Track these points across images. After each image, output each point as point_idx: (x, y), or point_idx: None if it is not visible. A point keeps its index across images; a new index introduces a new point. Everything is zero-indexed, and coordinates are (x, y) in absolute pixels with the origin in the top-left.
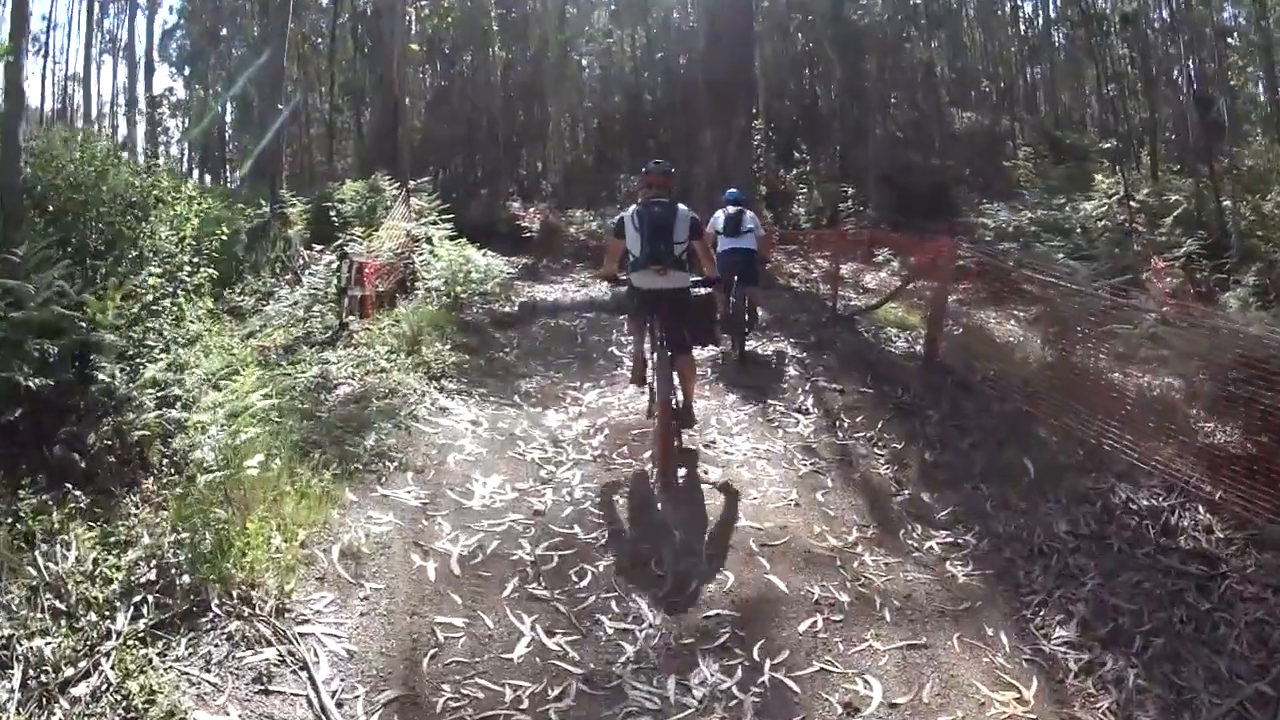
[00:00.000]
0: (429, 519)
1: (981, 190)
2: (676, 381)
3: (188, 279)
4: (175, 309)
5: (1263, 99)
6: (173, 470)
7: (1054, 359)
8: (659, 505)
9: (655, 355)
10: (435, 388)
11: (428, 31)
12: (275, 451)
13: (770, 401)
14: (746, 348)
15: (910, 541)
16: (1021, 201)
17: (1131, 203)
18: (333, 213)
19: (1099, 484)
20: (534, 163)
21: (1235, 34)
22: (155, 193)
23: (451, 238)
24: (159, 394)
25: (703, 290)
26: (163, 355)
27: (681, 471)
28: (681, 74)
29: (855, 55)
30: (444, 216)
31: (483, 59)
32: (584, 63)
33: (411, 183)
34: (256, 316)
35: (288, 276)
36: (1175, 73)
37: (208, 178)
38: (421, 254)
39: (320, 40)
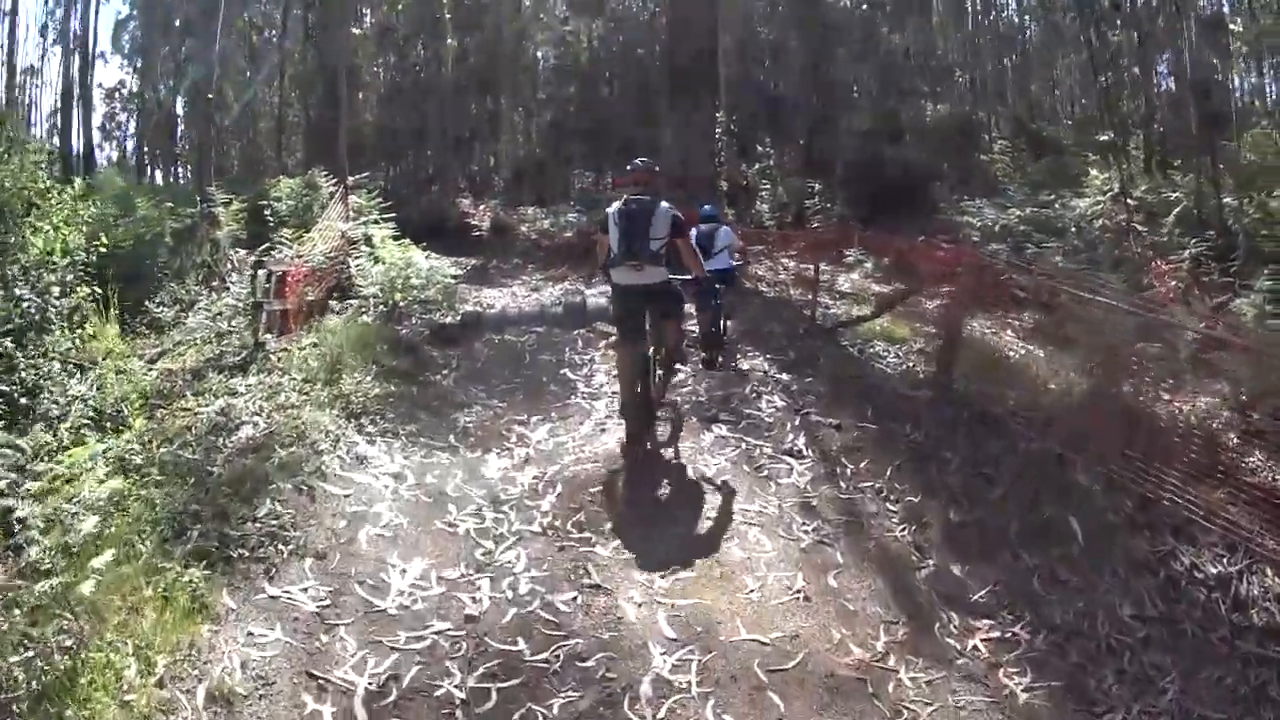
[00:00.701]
0: (328, 632)
1: (957, 185)
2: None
3: (58, 301)
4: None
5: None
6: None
7: (1090, 387)
8: (631, 608)
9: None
10: (354, 428)
11: (382, 21)
12: (139, 537)
13: (755, 442)
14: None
15: (950, 640)
16: (1004, 198)
17: (1129, 200)
18: (268, 212)
19: (1156, 545)
20: (486, 158)
21: (1238, 20)
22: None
23: (395, 238)
24: None
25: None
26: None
27: (660, 553)
28: (640, 65)
29: (822, 44)
30: (386, 215)
31: (436, 49)
32: (539, 54)
33: (351, 179)
34: (178, 329)
35: (214, 283)
36: (1163, 61)
37: (159, 175)
38: (359, 257)
39: (271, 32)
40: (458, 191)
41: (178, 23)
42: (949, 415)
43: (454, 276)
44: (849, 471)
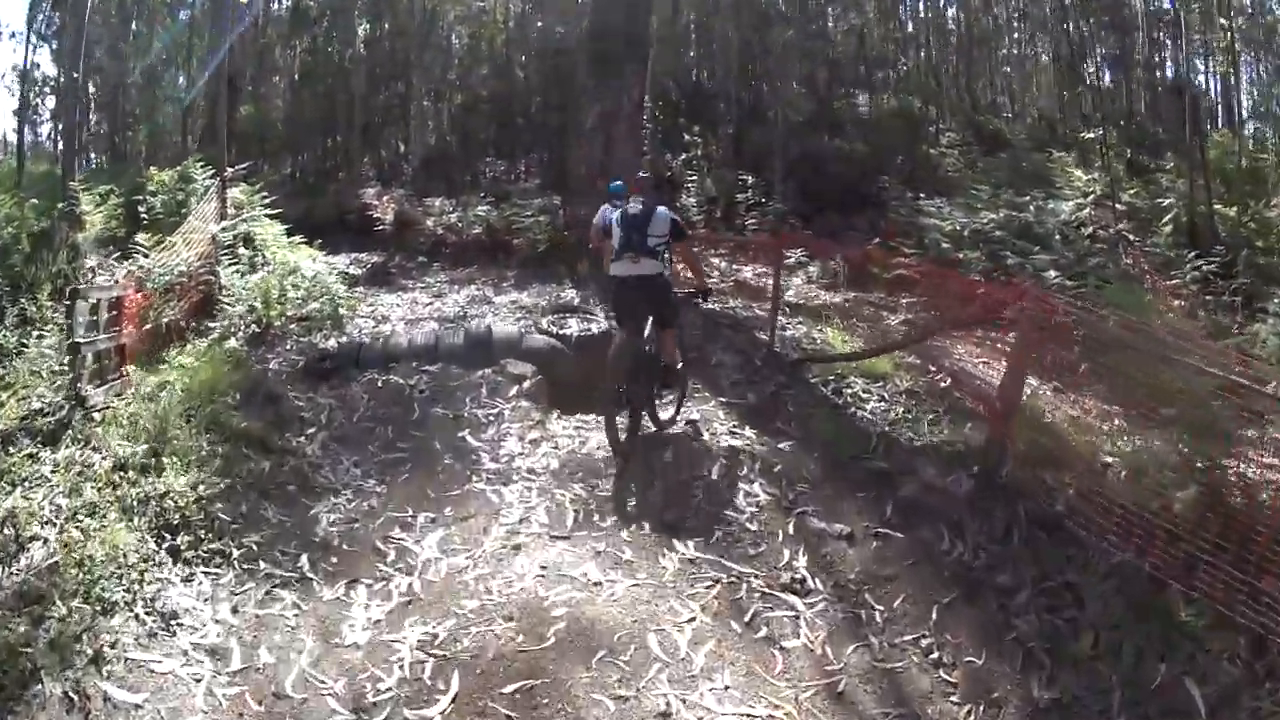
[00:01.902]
0: None
1: (906, 181)
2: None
3: None
4: None
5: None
6: None
7: (1173, 469)
8: None
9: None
10: (169, 550)
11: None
12: None
13: (738, 569)
14: (664, 418)
15: None
16: (968, 198)
17: (1117, 205)
18: (142, 209)
19: None
20: (396, 145)
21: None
22: None
23: (287, 235)
24: None
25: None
26: None
27: None
28: (560, 46)
29: (754, 27)
30: (275, 209)
31: (347, 30)
32: (452, 33)
33: (230, 169)
34: (20, 359)
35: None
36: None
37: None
38: (234, 263)
39: (185, 11)
40: (362, 182)
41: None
42: (998, 516)
43: (347, 282)
44: (878, 617)
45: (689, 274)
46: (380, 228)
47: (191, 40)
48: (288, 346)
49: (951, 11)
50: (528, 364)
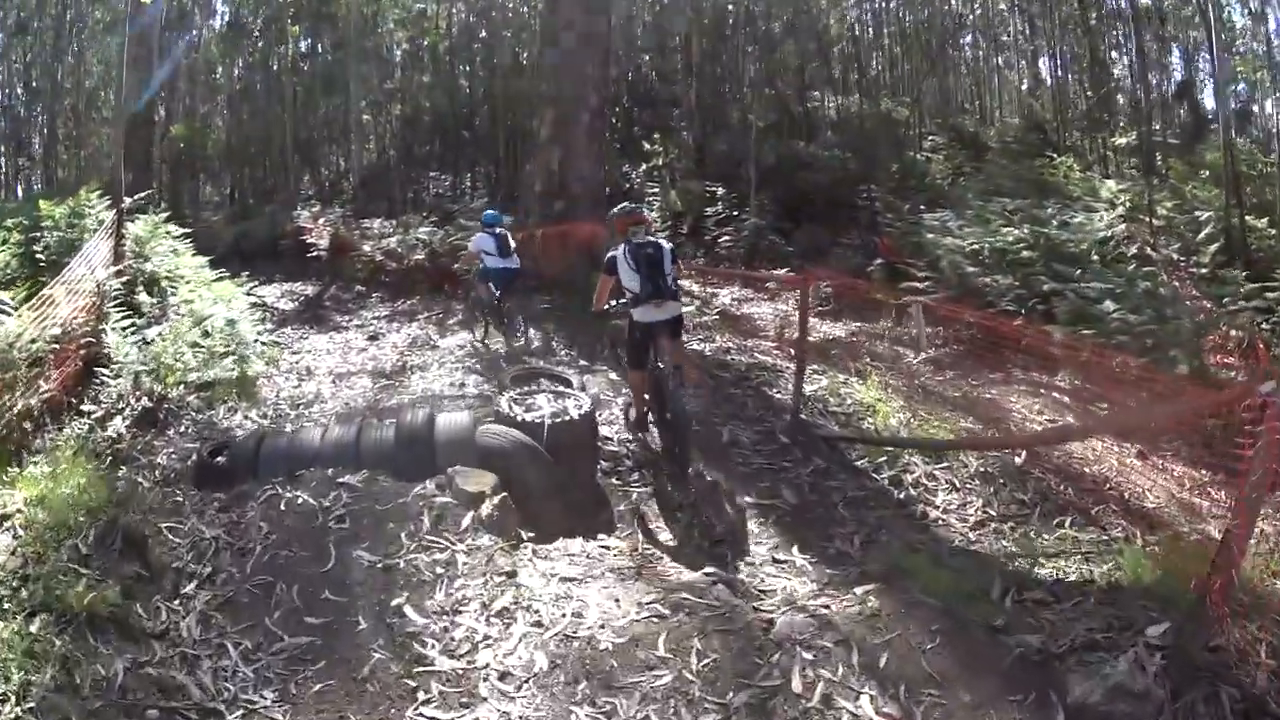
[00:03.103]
0: None
1: (894, 192)
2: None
3: None
4: None
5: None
6: None
7: None
8: None
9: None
10: None
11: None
12: None
13: None
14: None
15: None
16: (969, 209)
17: (1153, 220)
18: (38, 248)
19: None
20: (336, 162)
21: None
22: None
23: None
24: None
25: None
26: None
27: None
28: (511, 52)
29: (717, 30)
30: (191, 243)
31: (283, 41)
32: (393, 44)
33: (126, 200)
34: None
35: None
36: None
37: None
38: (132, 316)
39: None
40: (300, 202)
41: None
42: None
43: (274, 322)
44: None
45: None
46: (315, 253)
47: (124, 57)
48: (183, 429)
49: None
50: (485, 474)
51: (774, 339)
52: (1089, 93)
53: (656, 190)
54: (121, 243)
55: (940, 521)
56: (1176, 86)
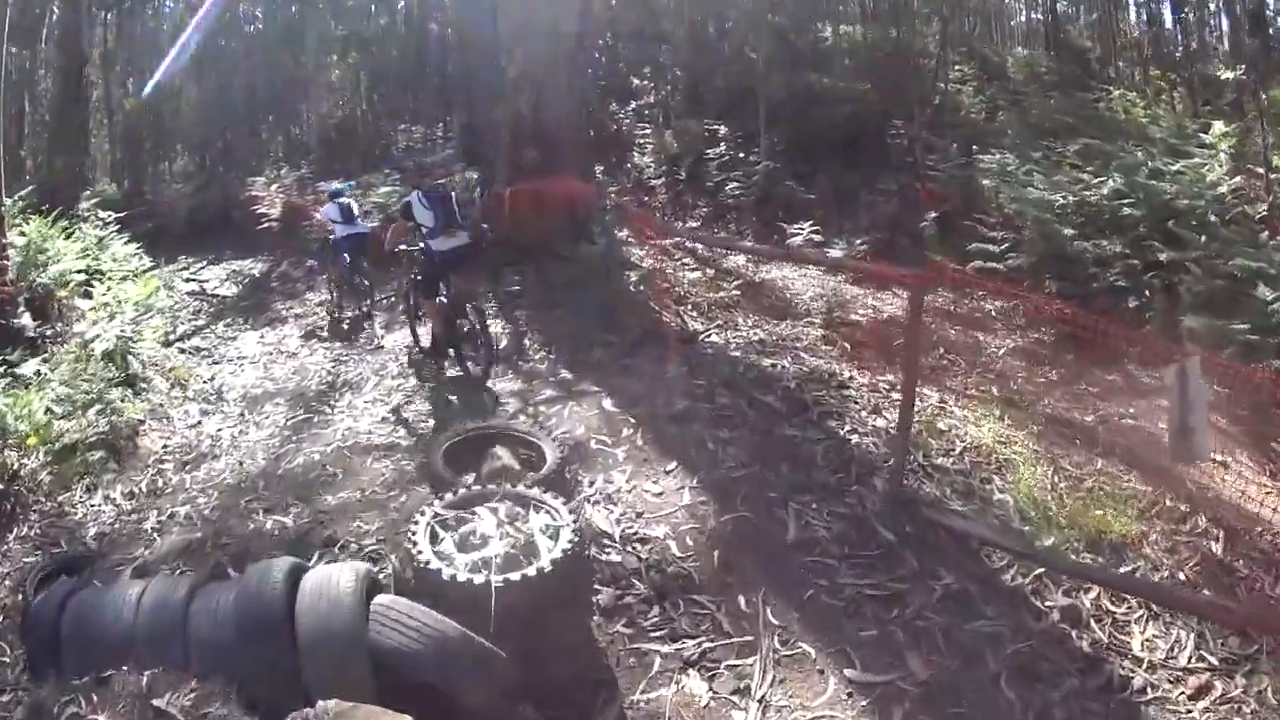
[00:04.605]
0: None
1: (930, 129)
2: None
3: None
4: None
5: None
6: None
7: None
8: None
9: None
10: None
11: None
12: None
13: None
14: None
15: None
16: (1033, 150)
17: (1271, 173)
18: None
19: None
20: (298, 122)
21: None
22: None
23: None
24: None
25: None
26: None
27: None
28: None
29: None
30: (115, 236)
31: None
32: None
33: (7, 201)
34: None
35: None
36: None
37: None
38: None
39: None
40: (252, 168)
41: None
42: None
43: (210, 314)
44: None
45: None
46: (267, 224)
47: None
48: (33, 527)
49: None
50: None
51: (821, 325)
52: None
53: (648, 132)
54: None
55: (1148, 693)
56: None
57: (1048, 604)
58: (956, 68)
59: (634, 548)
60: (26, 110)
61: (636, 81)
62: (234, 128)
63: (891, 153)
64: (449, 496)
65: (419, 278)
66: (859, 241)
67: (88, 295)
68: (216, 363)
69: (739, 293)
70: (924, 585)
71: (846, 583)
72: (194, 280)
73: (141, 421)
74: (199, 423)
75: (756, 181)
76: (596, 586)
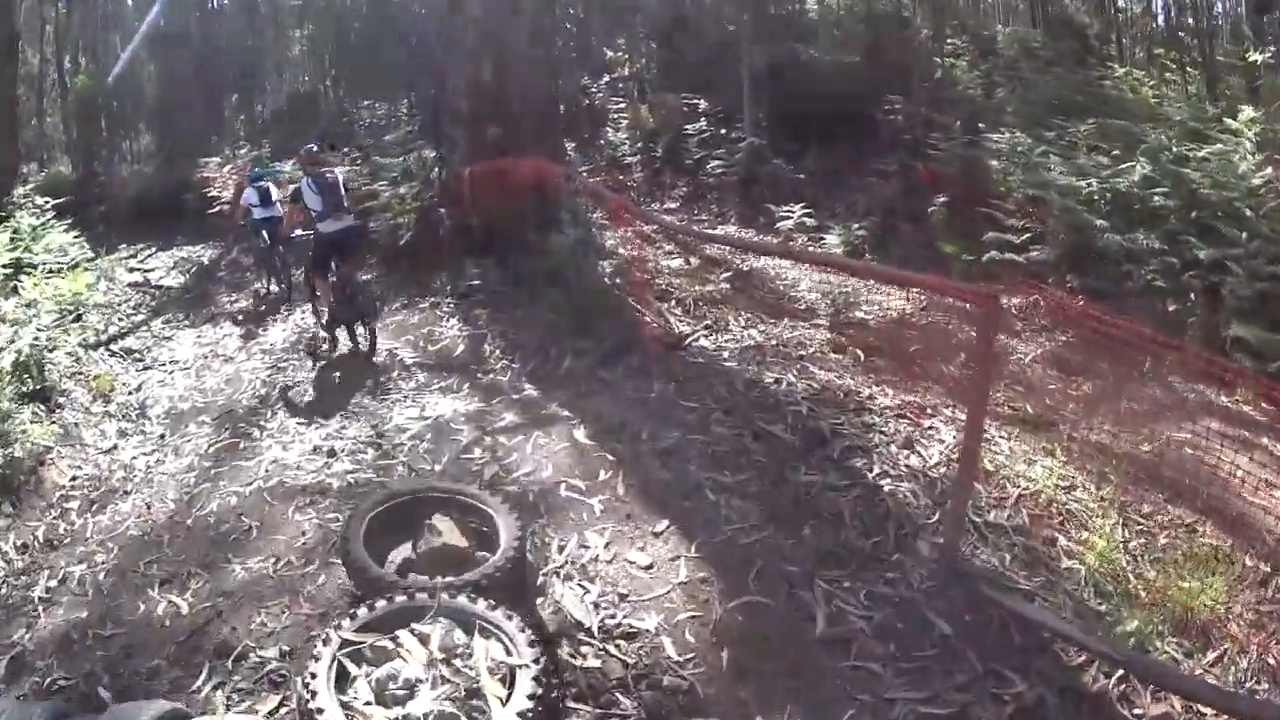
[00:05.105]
0: None
1: (929, 105)
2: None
3: None
4: None
5: None
6: None
7: None
8: None
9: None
10: None
11: None
12: None
13: None
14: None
15: None
16: (1046, 130)
17: None
18: None
19: None
20: (267, 95)
21: None
22: None
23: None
24: None
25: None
26: None
27: None
28: None
29: None
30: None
31: None
32: None
33: None
34: None
35: None
36: None
37: None
38: None
39: None
40: (209, 150)
41: None
42: None
43: (150, 310)
44: None
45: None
46: (218, 206)
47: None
48: None
49: None
50: None
51: (827, 326)
52: None
53: (622, 106)
54: None
55: None
56: None
57: (1136, 712)
58: (949, 41)
59: (617, 646)
60: None
61: (610, 54)
62: (193, 105)
63: (884, 129)
64: (363, 612)
65: (312, 258)
66: (856, 226)
67: (16, 292)
68: (148, 368)
69: (728, 285)
70: (991, 696)
71: (897, 697)
72: (138, 270)
73: (48, 449)
74: (115, 446)
75: (740, 159)
76: (569, 705)
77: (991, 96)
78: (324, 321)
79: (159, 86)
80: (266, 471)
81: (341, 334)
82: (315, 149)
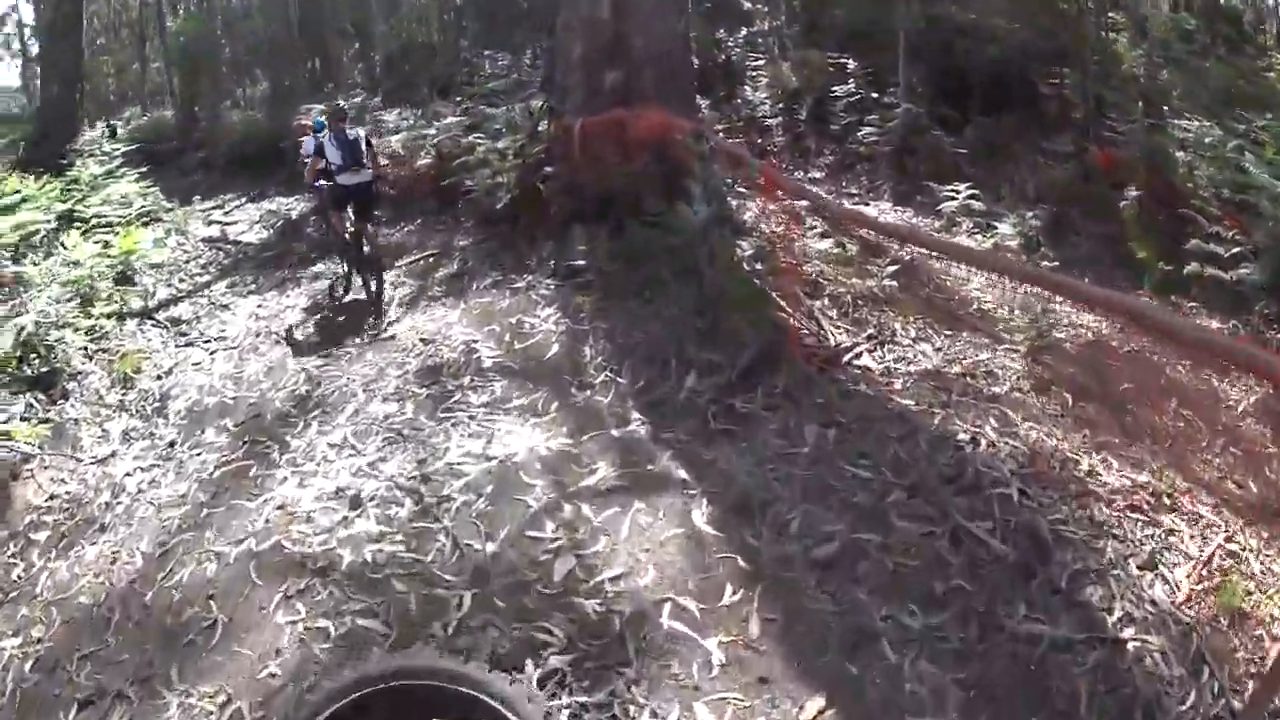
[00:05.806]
0: None
1: (1105, 81)
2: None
3: None
4: None
5: None
6: None
7: None
8: None
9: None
10: None
11: None
12: None
13: None
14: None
15: None
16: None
17: None
18: None
19: None
20: (372, 48)
21: None
22: None
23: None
24: None
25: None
26: None
27: None
28: None
29: None
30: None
31: None
32: None
33: None
34: None
35: None
36: None
37: None
38: None
39: None
40: (321, 98)
41: None
42: None
43: (217, 270)
44: None
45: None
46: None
47: None
48: None
49: None
50: None
51: (1025, 353)
52: None
53: (761, 63)
54: None
55: None
56: None
57: None
58: (1109, 15)
59: None
60: None
61: (748, 4)
62: (308, 51)
63: (1051, 105)
64: None
65: (331, 200)
66: (1030, 215)
67: (50, 254)
68: (190, 344)
69: (893, 282)
70: None
71: None
72: (218, 223)
73: (31, 457)
74: (112, 454)
75: (895, 128)
76: None
77: (1155, 79)
78: (338, 237)
79: (272, 31)
80: (266, 524)
81: (356, 280)
82: (341, 106)
